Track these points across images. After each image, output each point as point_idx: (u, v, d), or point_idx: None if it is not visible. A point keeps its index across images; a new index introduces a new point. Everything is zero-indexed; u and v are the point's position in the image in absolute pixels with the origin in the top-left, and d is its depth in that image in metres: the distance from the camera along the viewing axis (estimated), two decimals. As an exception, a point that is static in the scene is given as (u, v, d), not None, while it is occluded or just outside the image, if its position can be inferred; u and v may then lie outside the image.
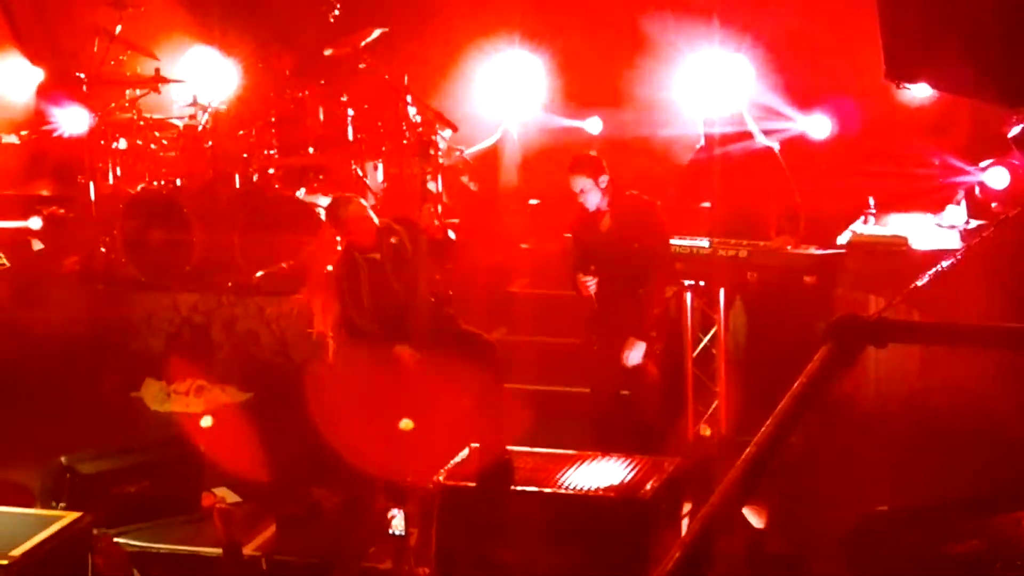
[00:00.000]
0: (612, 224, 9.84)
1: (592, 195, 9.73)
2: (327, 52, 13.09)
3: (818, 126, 11.42)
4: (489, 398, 9.47)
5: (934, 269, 5.41)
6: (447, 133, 12.75)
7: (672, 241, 10.33)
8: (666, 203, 10.23)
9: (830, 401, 8.63)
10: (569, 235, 10.23)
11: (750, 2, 12.10)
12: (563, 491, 8.85)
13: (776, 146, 10.86)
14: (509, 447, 9.31)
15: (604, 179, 9.76)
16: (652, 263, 9.83)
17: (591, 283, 9.74)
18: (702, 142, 10.97)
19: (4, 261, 9.17)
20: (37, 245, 13.34)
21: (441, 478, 9.00)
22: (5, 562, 8.56)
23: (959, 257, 9.29)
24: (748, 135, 10.78)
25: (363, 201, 9.96)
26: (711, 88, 11.66)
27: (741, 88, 11.33)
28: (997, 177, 11.10)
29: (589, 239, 9.89)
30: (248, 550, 8.64)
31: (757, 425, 4.11)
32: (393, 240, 9.45)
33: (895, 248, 10.76)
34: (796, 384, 4.10)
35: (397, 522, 8.18)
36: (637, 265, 9.77)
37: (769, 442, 3.96)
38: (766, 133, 10.86)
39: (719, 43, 11.75)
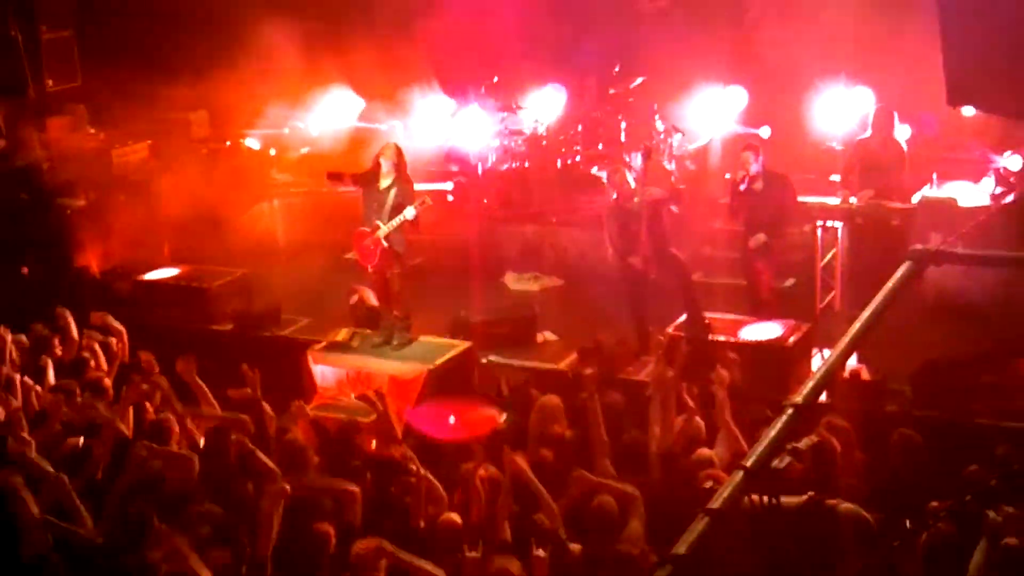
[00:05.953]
0: (764, 185, 9.51)
1: (752, 165, 9.50)
2: (611, 91, 13.00)
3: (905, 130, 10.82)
4: (687, 295, 9.33)
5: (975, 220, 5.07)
6: (678, 137, 12.52)
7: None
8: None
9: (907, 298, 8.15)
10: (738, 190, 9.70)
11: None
12: (740, 340, 8.78)
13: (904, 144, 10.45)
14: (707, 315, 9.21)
15: (761, 158, 9.56)
16: (785, 210, 9.57)
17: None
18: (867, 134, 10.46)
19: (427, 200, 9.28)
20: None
21: (670, 330, 8.95)
22: (431, 366, 8.97)
23: (991, 211, 8.81)
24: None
25: (626, 171, 9.72)
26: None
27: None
28: (1014, 162, 10.58)
29: (745, 194, 9.54)
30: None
31: (861, 305, 3.93)
32: (636, 200, 9.26)
33: (949, 205, 10.24)
34: (887, 285, 3.92)
35: None
36: (776, 211, 9.52)
37: (870, 319, 3.82)
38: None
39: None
